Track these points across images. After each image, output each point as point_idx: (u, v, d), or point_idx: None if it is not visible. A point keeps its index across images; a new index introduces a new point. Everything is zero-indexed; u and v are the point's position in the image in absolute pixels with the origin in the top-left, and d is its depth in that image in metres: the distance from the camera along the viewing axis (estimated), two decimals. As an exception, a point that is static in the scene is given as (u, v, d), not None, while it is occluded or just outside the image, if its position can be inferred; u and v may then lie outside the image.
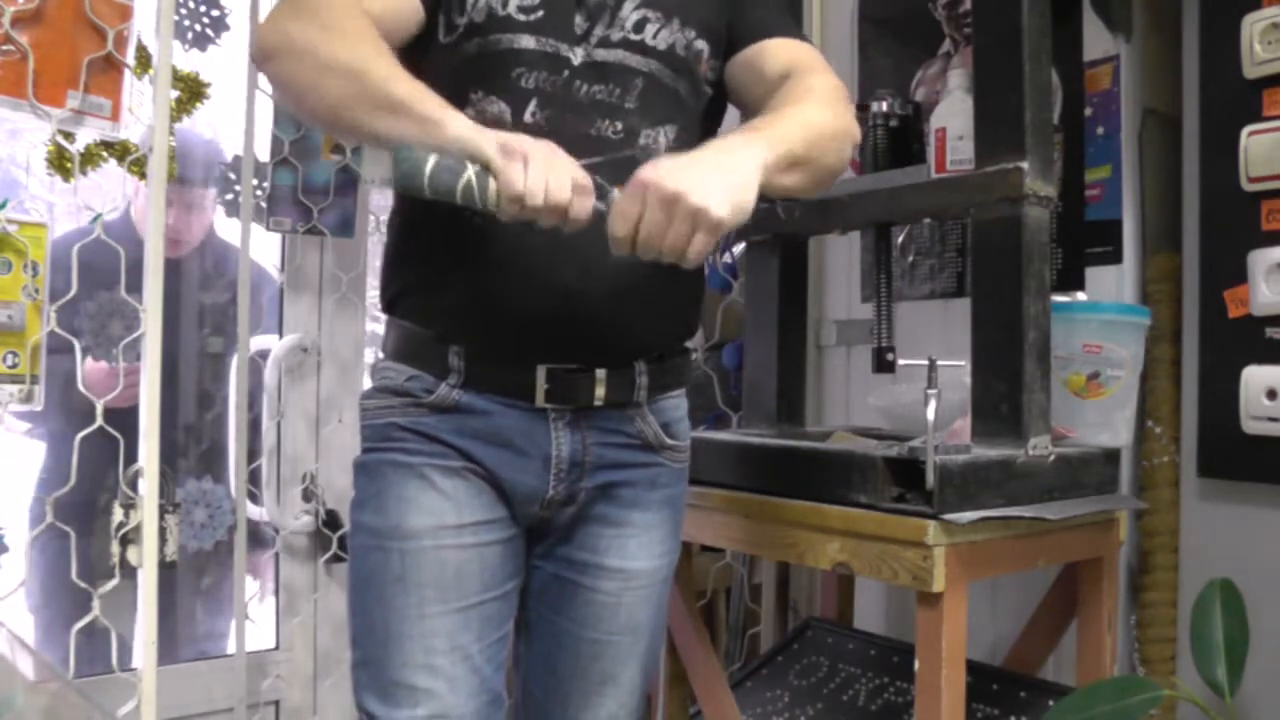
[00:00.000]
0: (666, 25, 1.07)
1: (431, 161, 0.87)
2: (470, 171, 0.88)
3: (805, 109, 1.03)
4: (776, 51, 1.12)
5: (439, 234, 1.04)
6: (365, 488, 1.07)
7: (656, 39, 1.06)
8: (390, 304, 1.10)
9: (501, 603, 1.07)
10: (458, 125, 0.89)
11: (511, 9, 1.02)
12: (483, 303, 1.03)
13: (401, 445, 1.05)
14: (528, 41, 1.02)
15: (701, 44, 1.10)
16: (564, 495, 1.08)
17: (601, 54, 1.04)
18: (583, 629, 1.11)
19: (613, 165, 1.01)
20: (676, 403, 1.16)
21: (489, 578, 1.06)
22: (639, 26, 1.06)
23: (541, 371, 1.04)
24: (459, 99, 0.99)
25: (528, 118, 1.02)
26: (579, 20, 1.04)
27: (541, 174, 0.87)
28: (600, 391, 1.06)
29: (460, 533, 1.04)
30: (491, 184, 0.88)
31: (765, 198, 1.02)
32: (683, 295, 1.13)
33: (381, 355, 1.12)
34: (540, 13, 1.02)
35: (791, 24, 1.19)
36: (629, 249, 0.90)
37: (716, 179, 0.89)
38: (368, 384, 1.16)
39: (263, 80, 1.79)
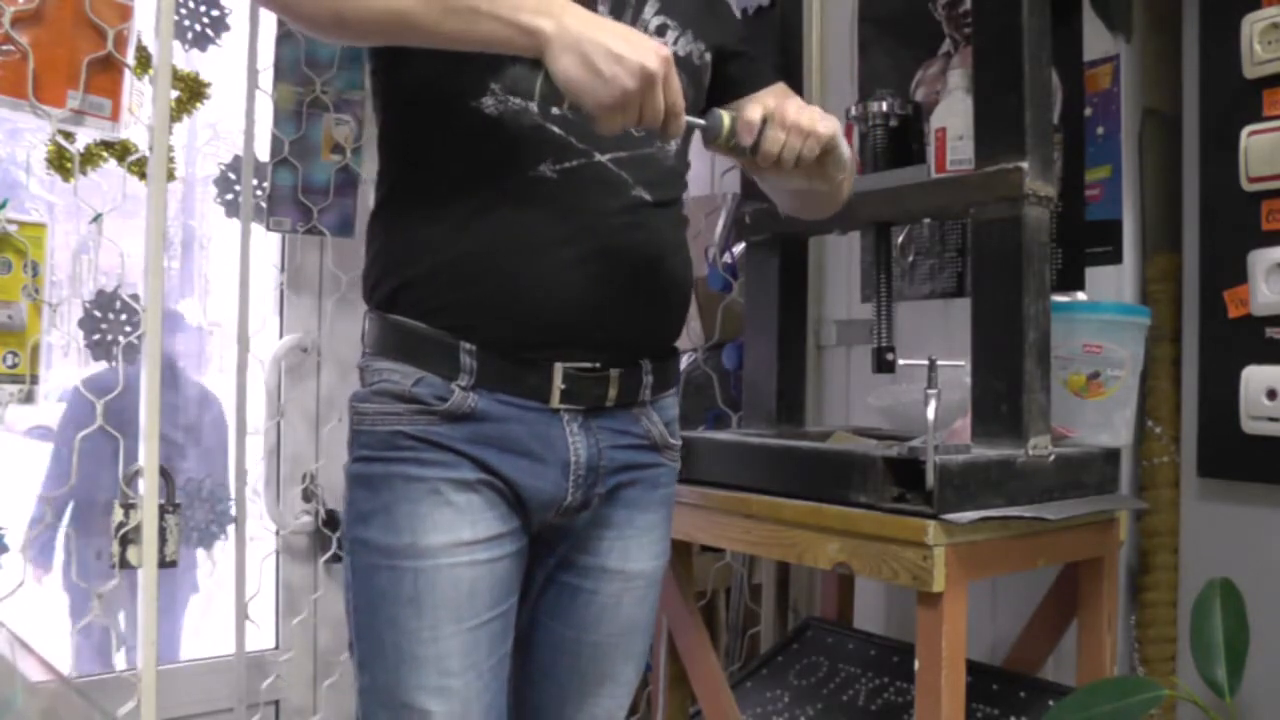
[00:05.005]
0: (684, 34, 1.08)
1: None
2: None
3: None
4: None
5: (452, 224, 1.00)
6: (368, 501, 1.01)
7: (677, 45, 1.08)
8: (388, 299, 1.04)
9: (508, 616, 1.06)
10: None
11: None
12: (506, 295, 0.99)
13: (415, 456, 1.00)
14: None
15: (708, 59, 1.13)
16: (580, 501, 1.06)
17: None
18: (583, 633, 1.11)
19: (635, 160, 1.03)
20: (672, 402, 1.17)
21: (499, 593, 1.03)
22: (660, 31, 1.07)
23: (558, 370, 1.02)
24: (480, 89, 0.99)
25: (553, 111, 1.00)
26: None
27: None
28: (613, 392, 1.06)
29: (474, 549, 1.00)
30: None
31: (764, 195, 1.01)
32: (683, 292, 1.14)
33: (370, 353, 1.06)
34: None
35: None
36: (750, 135, 0.96)
37: None
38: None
39: (263, 80, 1.79)
